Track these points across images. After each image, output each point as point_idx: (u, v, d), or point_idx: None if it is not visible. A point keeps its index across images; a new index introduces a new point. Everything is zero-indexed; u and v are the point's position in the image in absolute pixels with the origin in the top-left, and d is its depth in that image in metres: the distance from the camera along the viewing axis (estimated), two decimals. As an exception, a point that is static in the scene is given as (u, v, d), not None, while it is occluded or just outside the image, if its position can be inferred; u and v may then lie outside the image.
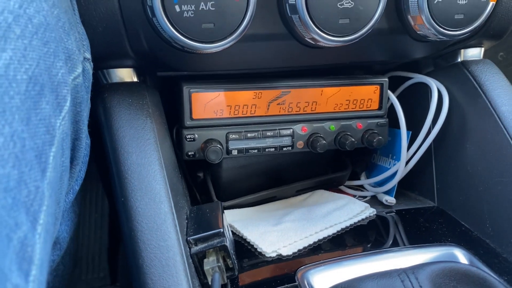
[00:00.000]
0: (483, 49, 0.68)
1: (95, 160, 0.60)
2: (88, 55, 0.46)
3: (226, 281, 0.47)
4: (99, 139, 0.52)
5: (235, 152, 0.63)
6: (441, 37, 0.57)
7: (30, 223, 0.30)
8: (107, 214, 0.98)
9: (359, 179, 0.77)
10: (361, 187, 0.77)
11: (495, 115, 0.59)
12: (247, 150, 0.63)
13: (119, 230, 0.47)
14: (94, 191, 0.98)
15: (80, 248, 0.95)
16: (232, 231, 0.61)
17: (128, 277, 0.45)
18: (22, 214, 0.29)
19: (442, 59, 0.70)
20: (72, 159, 0.45)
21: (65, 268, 0.55)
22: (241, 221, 0.62)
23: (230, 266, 0.47)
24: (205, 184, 0.70)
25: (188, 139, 0.61)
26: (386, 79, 0.68)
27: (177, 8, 0.46)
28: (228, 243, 0.46)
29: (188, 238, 0.46)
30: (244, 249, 0.57)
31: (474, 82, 0.63)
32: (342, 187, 0.77)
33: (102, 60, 0.53)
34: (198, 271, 0.46)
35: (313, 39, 0.52)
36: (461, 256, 0.53)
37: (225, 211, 0.66)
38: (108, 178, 0.50)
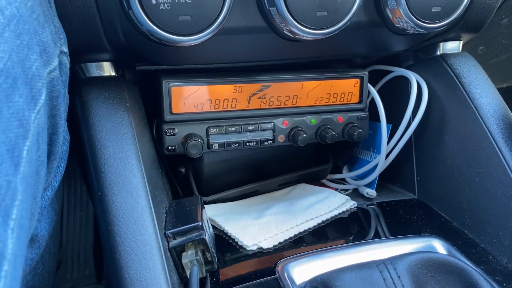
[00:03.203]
0: (461, 42, 0.68)
1: (76, 157, 0.59)
2: (65, 49, 0.46)
3: (205, 274, 0.47)
4: (79, 135, 0.51)
5: (215, 146, 0.62)
6: (419, 30, 0.57)
7: (1, 218, 0.29)
8: (92, 212, 0.97)
9: (341, 172, 0.78)
10: (343, 181, 0.77)
11: (473, 107, 0.60)
12: (228, 144, 0.63)
13: None
14: (78, 189, 0.97)
15: (65, 246, 0.93)
16: (213, 226, 0.60)
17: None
18: None
19: (421, 52, 0.71)
20: (49, 154, 0.44)
21: (45, 267, 0.54)
22: (223, 215, 0.62)
23: (209, 259, 0.47)
24: (187, 179, 0.70)
25: (168, 134, 0.60)
26: (366, 73, 0.68)
27: (153, 1, 0.46)
28: (207, 236, 0.46)
29: (166, 232, 0.46)
30: (225, 243, 0.57)
31: (453, 75, 0.64)
32: (324, 181, 0.78)
33: (79, 54, 0.52)
34: (177, 264, 0.45)
35: (291, 32, 0.52)
36: (439, 247, 0.54)
37: (207, 205, 0.66)
38: (87, 175, 0.50)
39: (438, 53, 0.68)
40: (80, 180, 0.95)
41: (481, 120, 0.59)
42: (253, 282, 0.48)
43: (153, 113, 0.62)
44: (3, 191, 0.30)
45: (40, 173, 0.39)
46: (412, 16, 0.55)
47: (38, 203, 0.41)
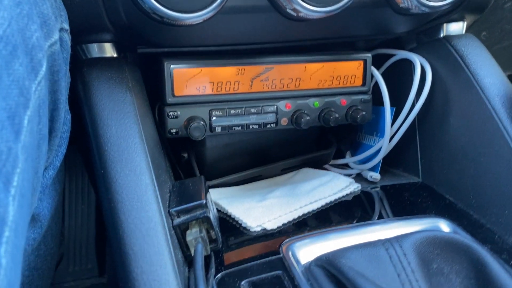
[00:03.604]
0: (465, 23, 0.68)
1: (78, 144, 0.59)
2: (66, 26, 0.45)
3: (209, 252, 0.46)
4: (81, 115, 0.51)
5: (218, 129, 0.62)
6: (423, 8, 0.56)
7: (2, 183, 0.29)
8: (94, 205, 0.96)
9: (344, 157, 0.77)
10: (346, 166, 0.77)
11: (478, 87, 0.59)
12: (230, 127, 0.63)
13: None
14: (80, 182, 0.97)
15: (67, 239, 0.93)
16: (217, 209, 0.60)
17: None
18: None
19: (425, 34, 0.70)
20: (51, 131, 0.44)
21: (47, 249, 0.54)
22: (226, 199, 0.62)
23: (214, 237, 0.47)
24: (189, 164, 0.70)
25: (170, 117, 0.60)
26: (370, 55, 0.67)
27: (155, -23, 0.45)
28: (211, 215, 0.46)
29: (170, 210, 0.45)
30: (228, 225, 0.57)
31: (457, 56, 0.63)
32: (327, 166, 0.77)
33: (80, 34, 0.52)
34: (181, 243, 0.45)
35: (294, 10, 0.52)
36: (445, 227, 0.53)
37: (210, 189, 0.65)
38: (89, 157, 0.49)
39: (442, 35, 0.68)
40: (82, 173, 0.95)
41: (486, 100, 0.58)
42: (258, 261, 0.48)
43: (154, 99, 0.61)
44: (3, 157, 0.29)
45: (42, 147, 0.39)
46: (416, -5, 0.55)
47: (40, 179, 0.41)
